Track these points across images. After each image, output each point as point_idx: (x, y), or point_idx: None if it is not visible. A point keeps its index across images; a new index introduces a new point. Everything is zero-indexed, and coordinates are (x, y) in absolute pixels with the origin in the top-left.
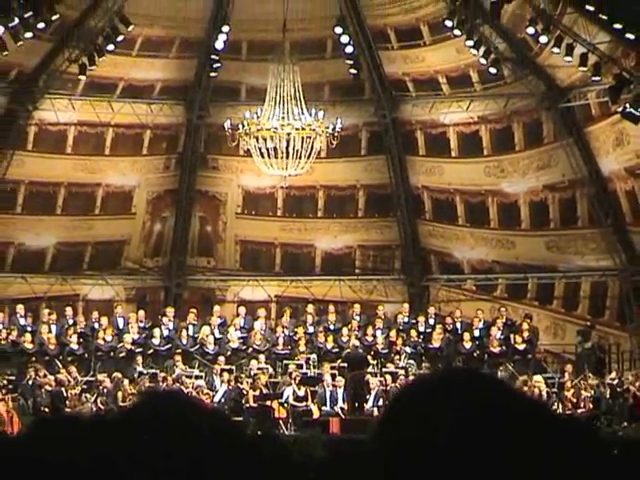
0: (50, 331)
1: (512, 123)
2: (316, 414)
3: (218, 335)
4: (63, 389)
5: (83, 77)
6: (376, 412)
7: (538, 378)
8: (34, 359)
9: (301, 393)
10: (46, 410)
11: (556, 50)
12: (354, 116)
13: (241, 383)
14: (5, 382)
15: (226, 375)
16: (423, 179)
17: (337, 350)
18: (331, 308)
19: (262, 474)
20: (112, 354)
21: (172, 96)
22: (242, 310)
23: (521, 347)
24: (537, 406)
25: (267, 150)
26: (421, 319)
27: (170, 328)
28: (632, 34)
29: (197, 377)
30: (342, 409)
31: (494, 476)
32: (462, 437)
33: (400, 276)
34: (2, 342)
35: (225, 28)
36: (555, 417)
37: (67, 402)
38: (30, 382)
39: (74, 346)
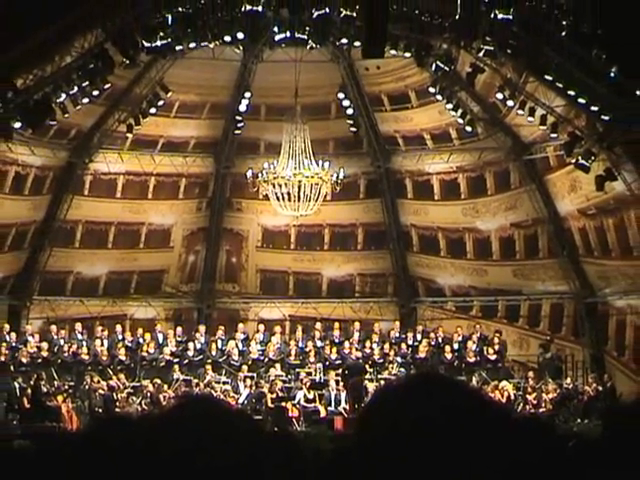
0: (103, 345)
1: (485, 172)
2: (323, 413)
3: (242, 348)
4: (114, 393)
5: (130, 135)
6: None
7: (506, 383)
8: (90, 368)
9: (310, 396)
10: (99, 411)
11: (520, 112)
12: (354, 166)
13: (261, 388)
14: (66, 387)
15: (248, 381)
16: (411, 218)
17: (340, 360)
18: (335, 325)
19: (279, 462)
20: (154, 364)
21: (203, 150)
22: (261, 327)
23: (492, 357)
24: (496, 406)
25: (282, 194)
26: (410, 334)
27: (202, 342)
28: (583, 99)
29: (224, 383)
30: (345, 409)
31: (456, 470)
32: (420, 434)
33: (392, 299)
34: (64, 354)
35: (247, 94)
36: (511, 417)
37: (117, 404)
38: (86, 387)
39: (122, 357)
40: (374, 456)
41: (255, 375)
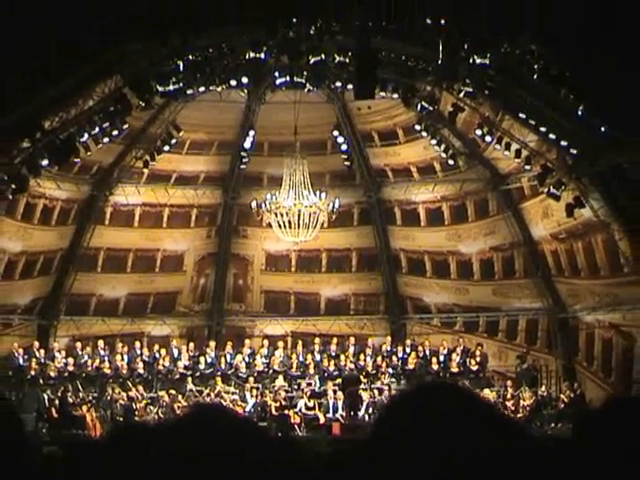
0: (123, 360)
1: (466, 201)
2: (322, 420)
3: (248, 361)
4: (133, 403)
5: (146, 170)
6: (367, 418)
7: (488, 391)
8: (111, 381)
9: (310, 404)
10: (120, 419)
11: (497, 147)
12: (348, 197)
13: (265, 397)
14: (90, 398)
15: (254, 391)
16: (400, 243)
17: (337, 372)
18: (333, 340)
19: (283, 464)
20: (169, 376)
21: (212, 183)
22: (266, 342)
23: (475, 368)
24: (492, 411)
25: (283, 222)
26: (400, 348)
27: (212, 356)
28: (553, 135)
29: (233, 393)
30: (342, 416)
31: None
32: (432, 435)
33: (384, 316)
34: (88, 368)
35: (251, 132)
36: (504, 419)
37: (136, 413)
38: (108, 398)
39: (141, 371)
40: (385, 459)
41: (260, 386)
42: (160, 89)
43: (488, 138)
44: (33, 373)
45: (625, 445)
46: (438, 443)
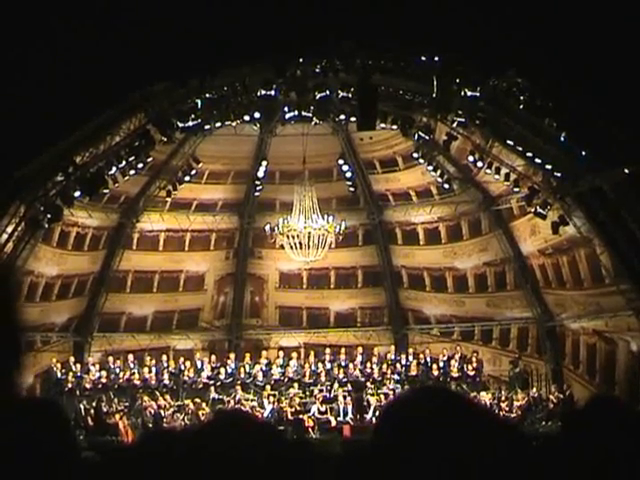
0: (151, 371)
1: (461, 221)
2: (333, 423)
3: (265, 370)
4: (161, 411)
5: (169, 199)
6: (375, 420)
7: (484, 394)
8: (141, 391)
9: (323, 409)
10: (150, 426)
11: (488, 171)
12: (353, 219)
13: (282, 403)
14: (122, 407)
15: (271, 398)
16: (401, 260)
17: (346, 379)
18: (342, 350)
19: (299, 464)
20: (193, 386)
21: (229, 209)
22: (281, 353)
23: (471, 373)
24: (484, 412)
25: (295, 244)
26: (403, 356)
27: (232, 367)
28: (539, 159)
29: (252, 400)
30: (351, 419)
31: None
32: (431, 435)
33: (388, 327)
34: (120, 380)
35: (264, 163)
36: (494, 419)
37: (164, 420)
38: (139, 407)
39: (167, 381)
40: (387, 456)
41: (277, 393)
42: (180, 125)
43: (479, 163)
44: (70, 385)
45: (606, 436)
46: (435, 443)
